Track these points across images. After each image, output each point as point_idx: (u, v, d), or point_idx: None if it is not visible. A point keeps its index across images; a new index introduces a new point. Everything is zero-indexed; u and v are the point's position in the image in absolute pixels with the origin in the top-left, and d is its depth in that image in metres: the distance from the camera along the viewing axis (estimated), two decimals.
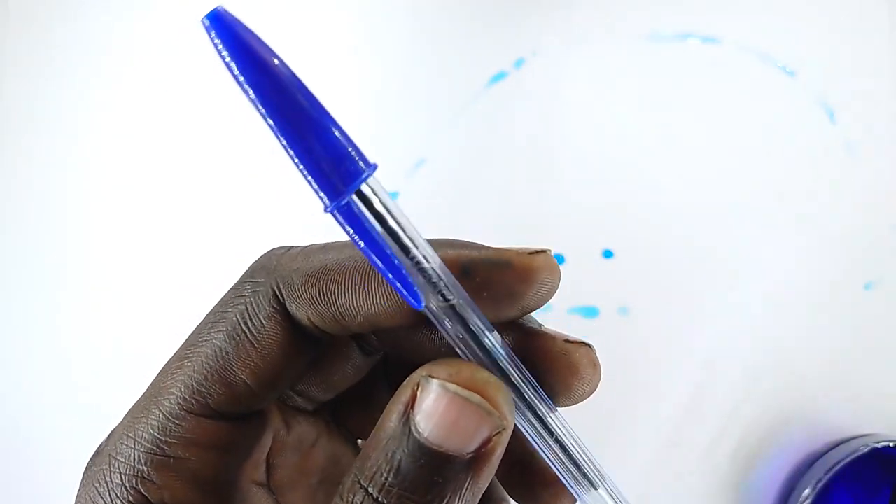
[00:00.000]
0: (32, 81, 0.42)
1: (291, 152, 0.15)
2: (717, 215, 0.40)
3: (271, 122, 0.15)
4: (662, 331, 0.39)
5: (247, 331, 0.18)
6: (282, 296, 0.18)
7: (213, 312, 0.19)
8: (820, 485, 0.35)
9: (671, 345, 0.39)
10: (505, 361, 0.17)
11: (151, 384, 0.18)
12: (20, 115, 0.41)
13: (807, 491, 0.35)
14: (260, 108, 0.15)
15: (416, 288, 0.16)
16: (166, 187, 0.41)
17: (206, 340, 0.18)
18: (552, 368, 0.19)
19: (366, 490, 0.16)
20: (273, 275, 0.18)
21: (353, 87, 0.40)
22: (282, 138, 0.15)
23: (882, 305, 0.39)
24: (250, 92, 0.15)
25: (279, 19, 0.41)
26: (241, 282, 0.19)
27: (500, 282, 0.18)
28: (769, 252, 0.39)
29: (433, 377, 0.17)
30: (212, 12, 0.14)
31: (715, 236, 0.39)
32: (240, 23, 0.15)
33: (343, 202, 0.15)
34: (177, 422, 0.17)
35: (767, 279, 0.39)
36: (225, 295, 0.19)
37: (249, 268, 0.19)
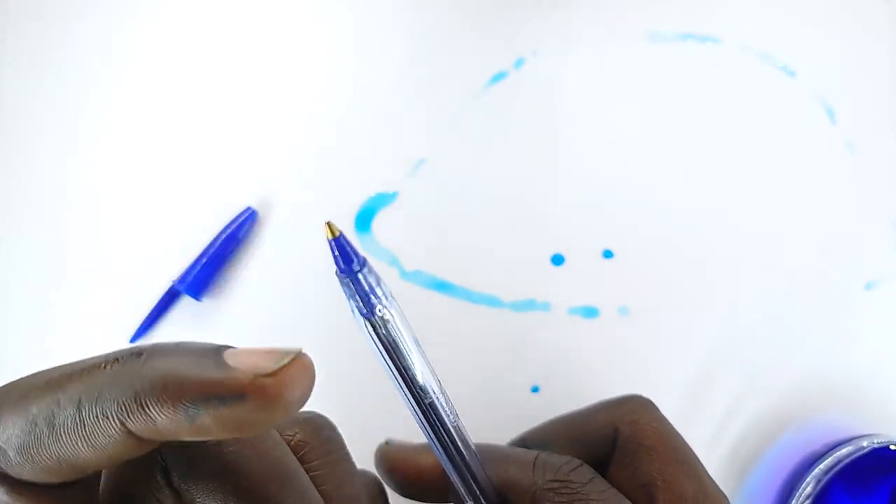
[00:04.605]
0: (32, 81, 0.42)
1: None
2: (716, 215, 0.40)
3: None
4: (662, 331, 0.39)
5: None
6: (1, 466, 0.16)
7: None
8: (820, 485, 0.35)
9: (671, 345, 0.39)
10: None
11: None
12: (20, 115, 0.41)
13: (807, 491, 0.35)
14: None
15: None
16: (167, 188, 0.41)
17: None
18: None
19: None
20: None
21: (353, 87, 0.40)
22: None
23: (882, 305, 0.39)
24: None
25: (279, 19, 0.41)
26: None
27: (235, 417, 0.15)
28: (769, 252, 0.39)
29: None
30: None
31: (715, 236, 0.39)
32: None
33: None
34: None
35: (767, 279, 0.39)
36: None
37: None
